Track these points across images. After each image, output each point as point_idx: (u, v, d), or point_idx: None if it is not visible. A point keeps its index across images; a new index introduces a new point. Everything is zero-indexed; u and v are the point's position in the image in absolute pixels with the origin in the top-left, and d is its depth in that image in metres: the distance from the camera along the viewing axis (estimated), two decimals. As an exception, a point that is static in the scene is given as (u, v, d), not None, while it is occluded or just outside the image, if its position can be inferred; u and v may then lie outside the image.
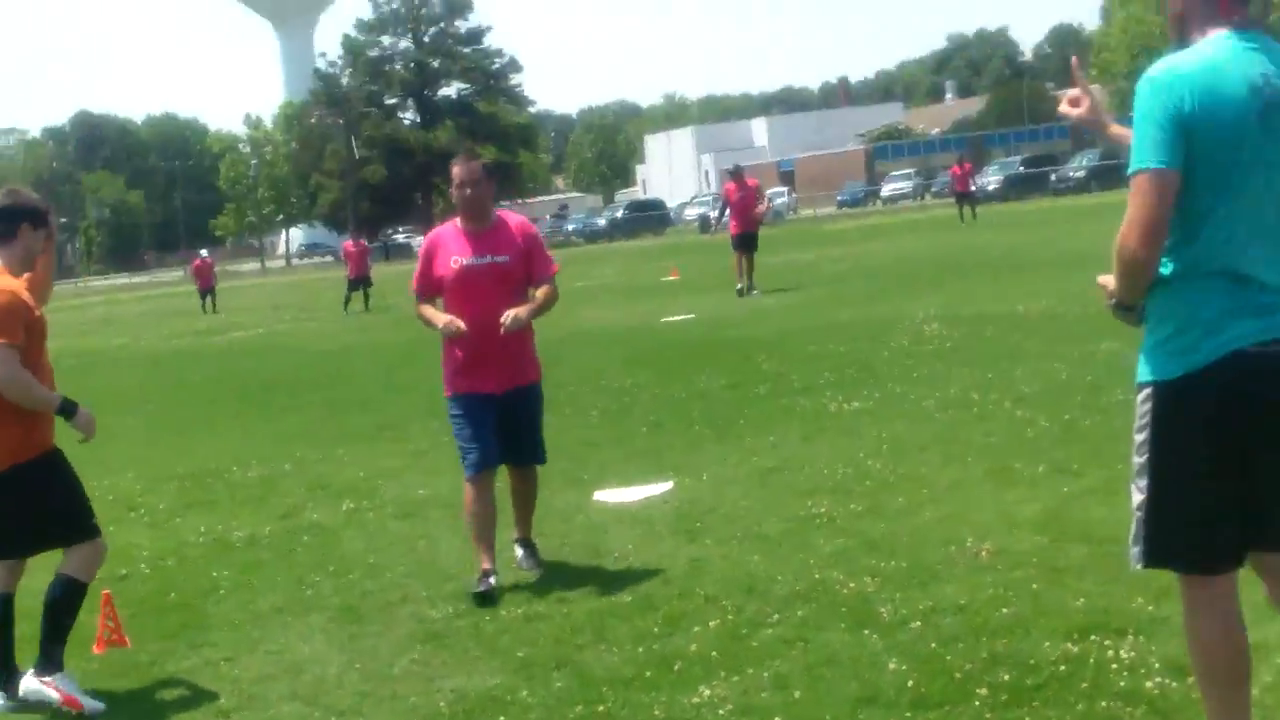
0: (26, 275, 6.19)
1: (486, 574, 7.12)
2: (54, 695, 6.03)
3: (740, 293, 24.74)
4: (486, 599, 6.92)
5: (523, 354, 7.41)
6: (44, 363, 6.14)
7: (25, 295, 6.03)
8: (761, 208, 26.02)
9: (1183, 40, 3.73)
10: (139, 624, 7.13)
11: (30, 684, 6.07)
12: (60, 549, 6.21)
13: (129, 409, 16.94)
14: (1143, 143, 3.58)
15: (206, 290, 43.78)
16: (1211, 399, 3.64)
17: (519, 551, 7.64)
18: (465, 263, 7.25)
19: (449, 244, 7.37)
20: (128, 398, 18.62)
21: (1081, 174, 64.00)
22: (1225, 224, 3.62)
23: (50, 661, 6.10)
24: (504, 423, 7.32)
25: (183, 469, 12.16)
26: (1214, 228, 3.62)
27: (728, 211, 26.30)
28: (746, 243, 25.17)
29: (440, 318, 7.23)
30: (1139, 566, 3.89)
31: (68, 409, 6.06)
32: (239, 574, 8.14)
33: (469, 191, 7.31)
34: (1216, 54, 3.62)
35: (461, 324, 7.09)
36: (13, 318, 5.91)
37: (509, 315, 7.10)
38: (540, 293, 7.38)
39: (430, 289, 7.45)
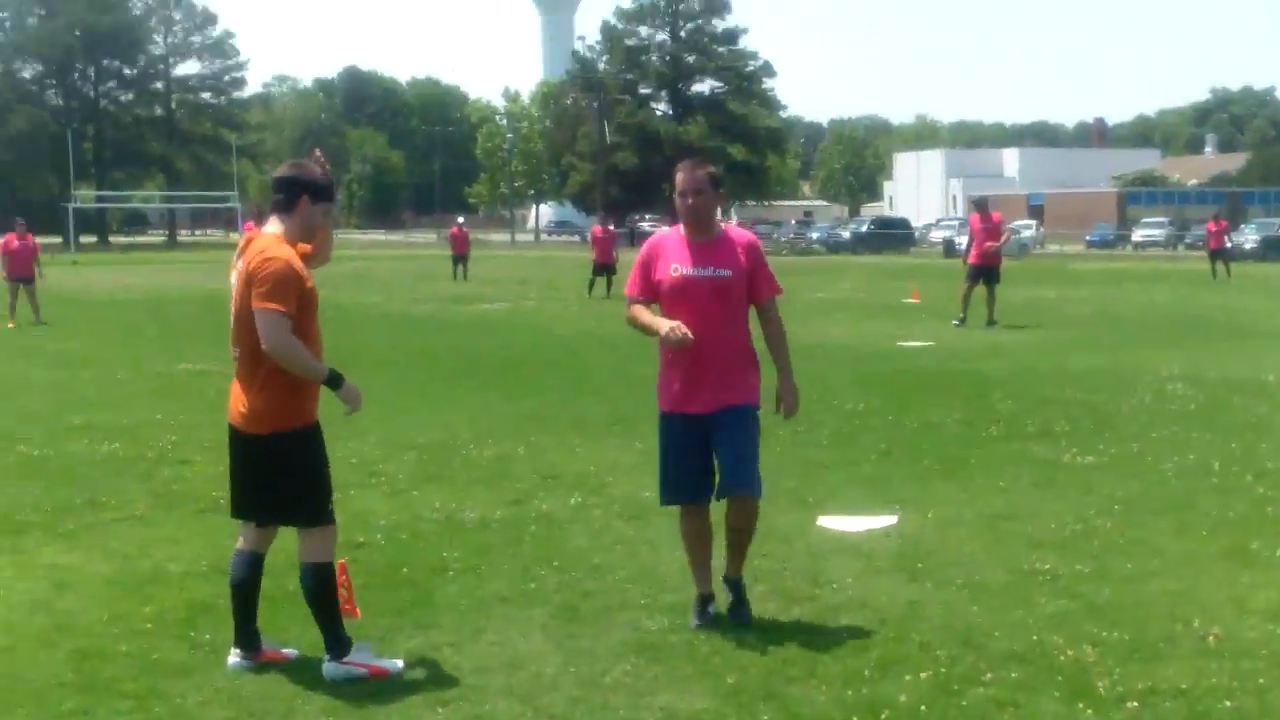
0: (301, 245, 6.26)
1: (704, 601, 7.09)
2: (360, 672, 6.16)
3: (960, 323, 24.69)
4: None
5: (740, 373, 7.01)
6: (315, 333, 6.17)
7: (299, 265, 6.06)
8: (1000, 241, 25.80)
9: None
10: (371, 596, 7.35)
11: (332, 670, 6.18)
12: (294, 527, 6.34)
13: (377, 370, 17.53)
14: None
15: (460, 258, 45.18)
16: None
17: (727, 595, 7.21)
18: (686, 273, 6.92)
19: (670, 251, 7.02)
20: (377, 358, 19.30)
21: (1345, 246, 61.20)
22: None
23: (339, 642, 6.23)
24: (714, 445, 6.94)
25: (423, 439, 12.56)
26: None
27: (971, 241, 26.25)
28: (986, 275, 25.20)
29: (661, 323, 6.83)
30: None
31: (335, 380, 6.09)
32: (468, 556, 8.36)
33: (691, 201, 6.94)
34: None
35: (688, 331, 6.71)
36: (286, 286, 5.95)
37: (784, 409, 7.13)
38: (781, 357, 7.13)
39: (647, 294, 7.07)
